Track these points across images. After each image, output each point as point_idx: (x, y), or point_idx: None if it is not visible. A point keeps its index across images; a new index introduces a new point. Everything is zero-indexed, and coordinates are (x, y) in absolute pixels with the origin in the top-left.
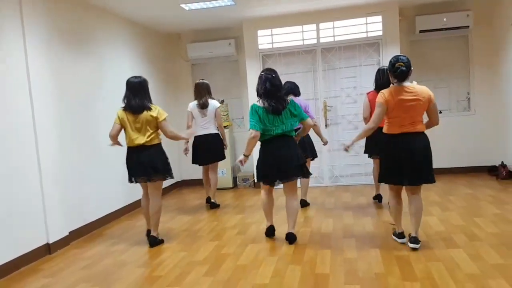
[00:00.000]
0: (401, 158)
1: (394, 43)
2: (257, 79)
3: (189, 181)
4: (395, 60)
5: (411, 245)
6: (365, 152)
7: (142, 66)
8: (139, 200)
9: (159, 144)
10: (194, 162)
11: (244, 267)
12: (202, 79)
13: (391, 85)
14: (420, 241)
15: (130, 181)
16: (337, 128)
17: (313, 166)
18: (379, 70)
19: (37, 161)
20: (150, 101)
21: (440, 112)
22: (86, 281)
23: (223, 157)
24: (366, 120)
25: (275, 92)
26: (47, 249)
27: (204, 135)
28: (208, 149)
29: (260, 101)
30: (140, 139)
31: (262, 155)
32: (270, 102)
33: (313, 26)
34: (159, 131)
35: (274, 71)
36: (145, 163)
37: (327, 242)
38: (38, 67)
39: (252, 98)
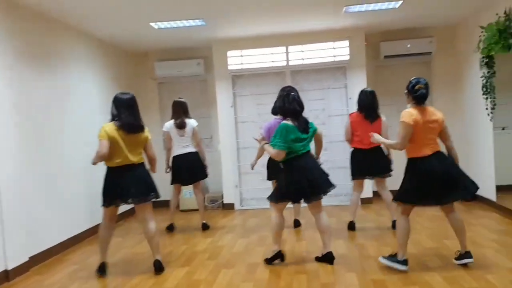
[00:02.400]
0: (436, 178)
1: (360, 68)
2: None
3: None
4: (415, 82)
5: (468, 260)
6: (352, 174)
7: (107, 84)
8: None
9: (144, 163)
10: (174, 182)
11: None
12: (180, 98)
13: (408, 106)
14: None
15: (110, 204)
16: None
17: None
18: (362, 91)
19: None
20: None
21: None
22: None
23: (205, 176)
24: (348, 141)
25: (301, 112)
26: (6, 276)
27: (184, 154)
28: (189, 168)
29: (290, 120)
30: (133, 158)
31: (291, 174)
32: (299, 121)
33: (283, 49)
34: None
35: (296, 90)
36: (139, 182)
37: (302, 266)
38: (1, 83)
39: (222, 118)
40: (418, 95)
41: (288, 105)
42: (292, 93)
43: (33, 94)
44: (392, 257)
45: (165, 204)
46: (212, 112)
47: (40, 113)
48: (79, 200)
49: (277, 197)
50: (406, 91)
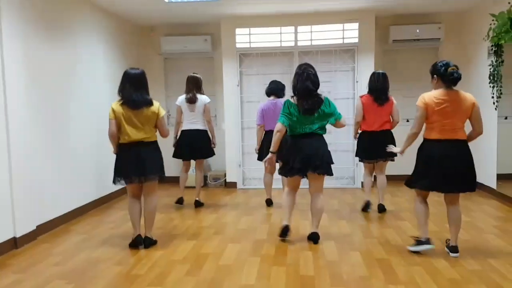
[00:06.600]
0: (441, 164)
1: (369, 51)
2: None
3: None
4: (445, 64)
5: (452, 254)
6: (357, 156)
7: (114, 57)
8: (106, 196)
9: (156, 142)
10: (175, 155)
11: (227, 267)
12: (194, 73)
13: (433, 90)
14: (458, 250)
15: (117, 181)
16: None
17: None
18: (374, 73)
19: (6, 151)
20: (149, 95)
21: (407, 121)
22: (61, 278)
23: (209, 154)
24: (359, 124)
25: (314, 91)
26: (14, 243)
27: (190, 130)
28: (192, 145)
29: (294, 98)
30: (139, 135)
31: (290, 149)
32: (306, 102)
33: (292, 29)
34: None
35: (313, 67)
36: (144, 161)
37: (307, 244)
38: (12, 54)
39: (227, 96)
40: (454, 77)
41: (301, 84)
42: (308, 71)
43: (43, 65)
44: (417, 242)
45: (171, 180)
46: (218, 90)
47: (50, 84)
48: (86, 172)
49: (281, 171)
50: (434, 75)
